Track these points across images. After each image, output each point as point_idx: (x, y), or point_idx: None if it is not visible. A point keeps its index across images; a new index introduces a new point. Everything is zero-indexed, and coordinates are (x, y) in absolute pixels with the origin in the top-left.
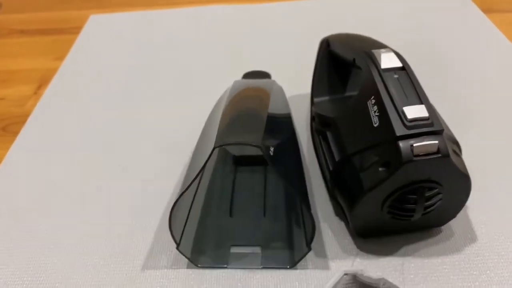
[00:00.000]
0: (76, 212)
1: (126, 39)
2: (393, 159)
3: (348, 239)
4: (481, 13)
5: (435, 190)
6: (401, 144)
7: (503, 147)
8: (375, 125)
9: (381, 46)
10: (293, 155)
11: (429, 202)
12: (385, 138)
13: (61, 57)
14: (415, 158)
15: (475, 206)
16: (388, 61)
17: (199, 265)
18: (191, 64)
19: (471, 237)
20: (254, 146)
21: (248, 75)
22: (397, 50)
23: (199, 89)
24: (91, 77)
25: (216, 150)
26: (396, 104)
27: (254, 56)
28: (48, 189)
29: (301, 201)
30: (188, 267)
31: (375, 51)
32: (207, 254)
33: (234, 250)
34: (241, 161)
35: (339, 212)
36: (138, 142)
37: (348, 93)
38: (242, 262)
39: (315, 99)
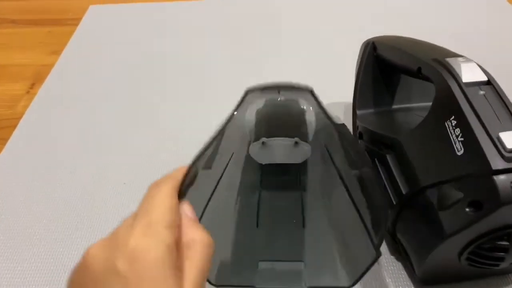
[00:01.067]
0: (77, 231)
1: (129, 32)
2: (487, 198)
3: (408, 285)
4: None
5: None
6: (498, 180)
7: None
8: (459, 153)
9: (450, 52)
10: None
11: None
12: (475, 171)
13: (57, 51)
14: None
15: None
16: (470, 73)
17: (217, 284)
18: (200, 63)
19: None
20: (302, 87)
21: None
22: None
23: (209, 91)
24: (90, 74)
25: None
26: (488, 129)
27: (274, 56)
28: (44, 205)
29: (369, 181)
30: None
31: (450, 60)
32: (228, 271)
33: (265, 266)
34: (268, 172)
35: (397, 251)
36: (144, 153)
37: (396, 105)
38: (278, 281)
39: (359, 112)
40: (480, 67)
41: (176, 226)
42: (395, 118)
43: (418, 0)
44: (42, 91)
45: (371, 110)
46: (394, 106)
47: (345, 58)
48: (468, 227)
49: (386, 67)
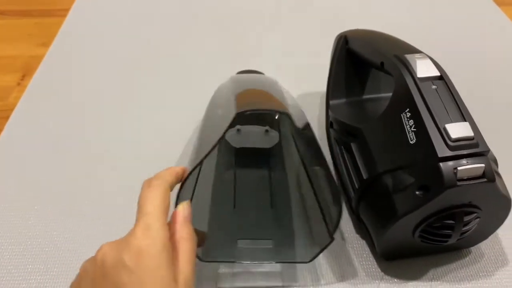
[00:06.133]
0: (65, 216)
1: (118, 22)
2: (434, 183)
3: (371, 261)
4: (495, 6)
5: (474, 214)
6: (443, 166)
7: None
8: (411, 142)
9: (411, 49)
10: (311, 136)
11: (466, 227)
12: (424, 158)
13: (46, 43)
14: (458, 183)
15: (504, 225)
16: (424, 68)
17: (203, 260)
18: (188, 54)
19: (502, 260)
20: (283, 113)
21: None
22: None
23: (195, 81)
24: (80, 65)
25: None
26: (437, 120)
27: (254, 47)
28: (35, 194)
29: (327, 176)
30: None
31: (408, 57)
32: (213, 247)
33: (242, 244)
34: (242, 154)
35: (362, 230)
36: (132, 140)
37: (366, 96)
38: (253, 257)
39: (331, 102)
40: (435, 63)
41: (167, 225)
42: (364, 108)
43: None
44: (32, 83)
45: (343, 100)
46: (365, 96)
47: (324, 50)
48: (418, 208)
49: (357, 60)
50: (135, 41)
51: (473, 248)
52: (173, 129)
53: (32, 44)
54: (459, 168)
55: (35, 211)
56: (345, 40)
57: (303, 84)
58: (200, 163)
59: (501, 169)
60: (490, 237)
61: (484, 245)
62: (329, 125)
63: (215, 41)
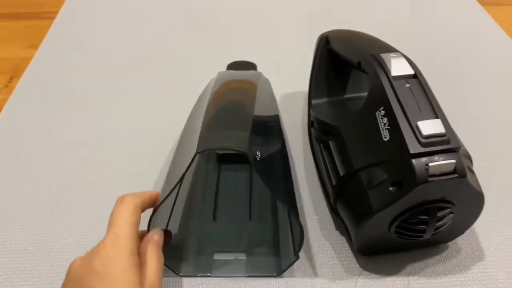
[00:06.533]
0: (55, 221)
1: (106, 25)
2: (406, 179)
3: (350, 257)
4: (479, 6)
5: (448, 210)
6: (415, 163)
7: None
8: (385, 139)
9: (388, 48)
10: (280, 157)
11: (440, 222)
12: (397, 155)
13: (35, 45)
14: (430, 179)
15: (481, 220)
16: (399, 67)
17: (180, 274)
18: (177, 51)
19: (478, 254)
20: (240, 152)
21: (233, 66)
22: (391, 44)
23: (184, 78)
24: (69, 67)
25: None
26: (409, 118)
27: (243, 46)
28: (24, 194)
29: (288, 209)
30: (167, 275)
31: (384, 56)
32: (189, 262)
33: (218, 257)
34: (225, 159)
35: (340, 227)
36: (120, 141)
37: (348, 95)
38: (226, 270)
39: (313, 101)
40: (410, 61)
41: (137, 237)
42: (344, 107)
43: None
44: (20, 85)
45: (324, 100)
46: (346, 96)
47: (307, 50)
48: (392, 203)
49: (338, 60)
50: (124, 43)
51: (450, 244)
52: (170, 129)
53: (21, 47)
54: (430, 164)
55: (22, 211)
56: (326, 40)
57: (294, 84)
58: (166, 198)
59: (477, 166)
60: (466, 232)
61: (461, 240)
62: (310, 124)
63: (208, 41)
